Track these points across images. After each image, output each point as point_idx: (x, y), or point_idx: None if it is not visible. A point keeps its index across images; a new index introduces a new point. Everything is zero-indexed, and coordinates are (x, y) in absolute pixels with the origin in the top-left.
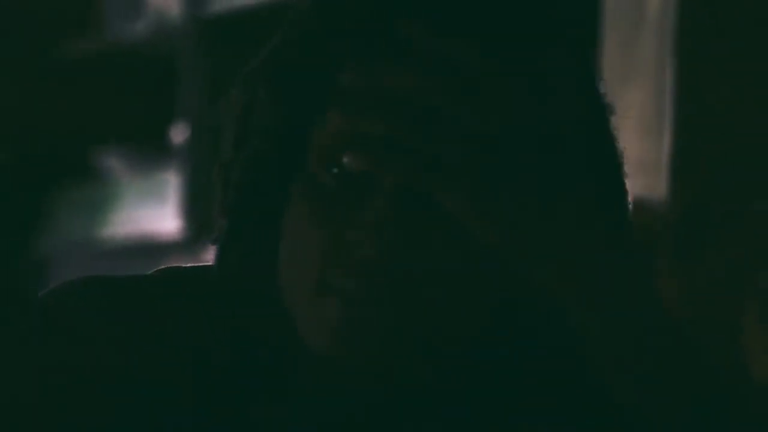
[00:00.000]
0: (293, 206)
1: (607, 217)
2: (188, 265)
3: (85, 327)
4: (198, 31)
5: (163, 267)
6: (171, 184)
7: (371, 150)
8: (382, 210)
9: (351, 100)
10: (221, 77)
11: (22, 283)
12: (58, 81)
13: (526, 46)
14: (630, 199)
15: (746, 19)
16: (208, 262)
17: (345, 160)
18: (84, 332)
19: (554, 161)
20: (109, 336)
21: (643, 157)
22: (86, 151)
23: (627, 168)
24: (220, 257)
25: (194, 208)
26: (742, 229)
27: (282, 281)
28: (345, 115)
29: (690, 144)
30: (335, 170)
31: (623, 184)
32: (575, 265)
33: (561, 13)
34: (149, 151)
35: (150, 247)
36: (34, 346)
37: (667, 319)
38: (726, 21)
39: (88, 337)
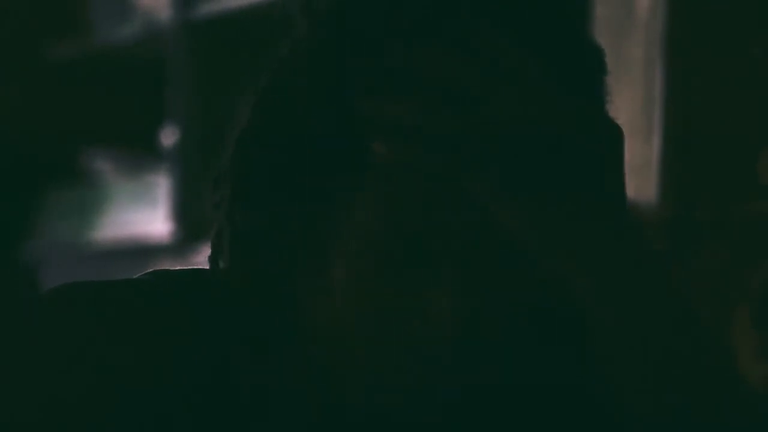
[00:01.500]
0: (350, 237)
1: (623, 214)
2: (179, 268)
3: (75, 333)
4: (187, 33)
5: (153, 270)
6: (161, 186)
7: (403, 135)
8: (443, 307)
9: (383, 82)
10: (210, 80)
11: (11, 286)
12: (47, 84)
13: (561, 48)
14: None
15: (736, 21)
16: (198, 264)
17: (376, 149)
18: (74, 338)
19: (578, 154)
20: (100, 342)
21: (633, 159)
22: (75, 153)
23: None
24: (243, 258)
25: (184, 211)
26: (732, 230)
27: (339, 313)
28: (377, 100)
29: (680, 146)
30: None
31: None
32: (598, 256)
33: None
34: (139, 153)
35: (140, 250)
36: (24, 353)
37: (684, 314)
38: (715, 23)
39: (78, 343)
